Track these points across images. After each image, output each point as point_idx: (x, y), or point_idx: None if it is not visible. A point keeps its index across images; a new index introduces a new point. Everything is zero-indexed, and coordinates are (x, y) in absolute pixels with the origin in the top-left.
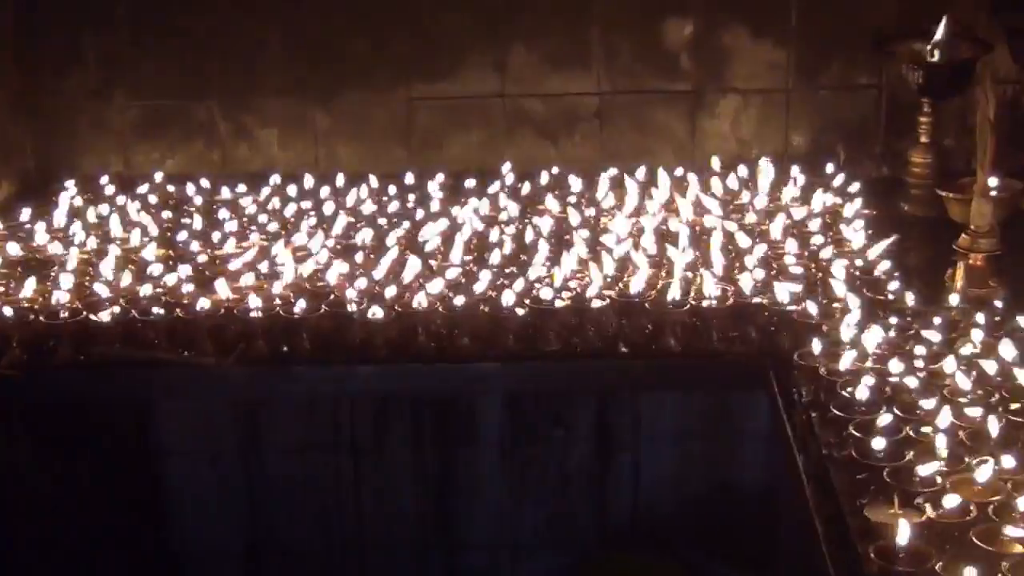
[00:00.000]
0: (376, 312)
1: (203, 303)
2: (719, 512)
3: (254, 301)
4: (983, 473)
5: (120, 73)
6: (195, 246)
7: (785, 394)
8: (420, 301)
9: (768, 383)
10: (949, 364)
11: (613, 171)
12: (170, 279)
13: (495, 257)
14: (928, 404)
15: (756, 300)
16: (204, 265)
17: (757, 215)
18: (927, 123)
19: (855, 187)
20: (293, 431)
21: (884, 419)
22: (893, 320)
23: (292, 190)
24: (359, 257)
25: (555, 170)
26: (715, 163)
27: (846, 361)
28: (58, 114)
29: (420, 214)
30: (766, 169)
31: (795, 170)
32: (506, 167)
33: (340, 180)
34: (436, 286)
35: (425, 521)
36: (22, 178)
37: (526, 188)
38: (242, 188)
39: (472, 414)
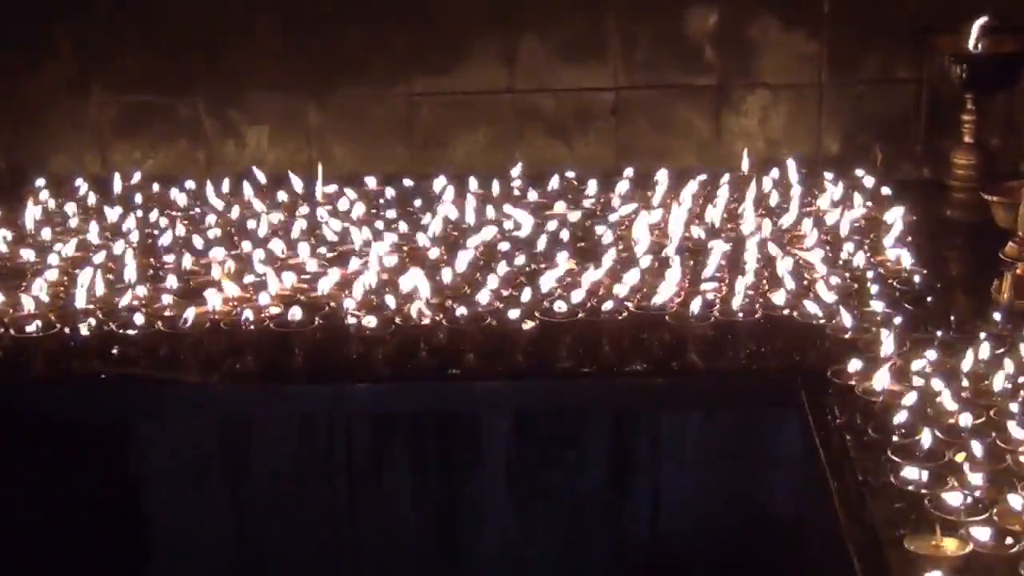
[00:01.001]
0: (374, 324)
1: (188, 315)
2: (745, 543)
3: (244, 313)
4: (1016, 501)
5: (97, 66)
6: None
7: (818, 414)
8: (422, 313)
9: (799, 402)
10: (996, 382)
11: (631, 172)
12: (151, 290)
13: (503, 266)
14: (973, 426)
15: (787, 313)
16: (191, 275)
17: (788, 221)
18: (971, 121)
19: (893, 191)
20: (284, 454)
21: (925, 442)
22: (935, 334)
23: (282, 193)
24: (355, 265)
25: (569, 172)
26: (744, 164)
27: (884, 379)
28: (30, 110)
29: (423, 219)
30: (797, 171)
31: (828, 172)
32: (516, 169)
33: (335, 183)
34: (440, 297)
35: (427, 552)
36: None
37: (536, 192)
38: (228, 189)
39: (478, 436)
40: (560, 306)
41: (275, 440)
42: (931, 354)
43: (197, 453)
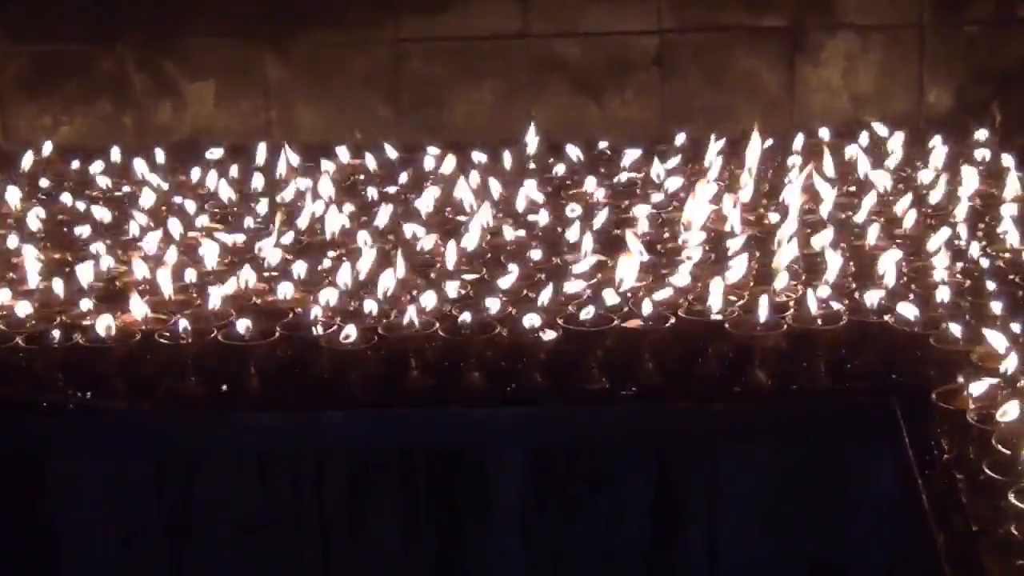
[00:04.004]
0: (351, 336)
1: (111, 325)
2: None
3: (183, 323)
4: None
5: None
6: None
7: (919, 448)
8: (412, 320)
9: (896, 433)
10: None
11: (681, 139)
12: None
13: (515, 261)
14: None
15: (880, 318)
16: (117, 274)
17: (881, 201)
18: None
19: (1016, 160)
20: (239, 501)
21: None
22: None
23: (234, 168)
24: (328, 260)
25: (600, 140)
26: (823, 132)
27: (1006, 405)
28: None
29: (413, 200)
30: (893, 136)
31: (933, 138)
32: (530, 135)
33: (299, 153)
34: (433, 300)
35: None
36: None
37: (558, 165)
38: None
39: (484, 477)
40: (589, 312)
41: (226, 483)
42: None
43: (126, 500)
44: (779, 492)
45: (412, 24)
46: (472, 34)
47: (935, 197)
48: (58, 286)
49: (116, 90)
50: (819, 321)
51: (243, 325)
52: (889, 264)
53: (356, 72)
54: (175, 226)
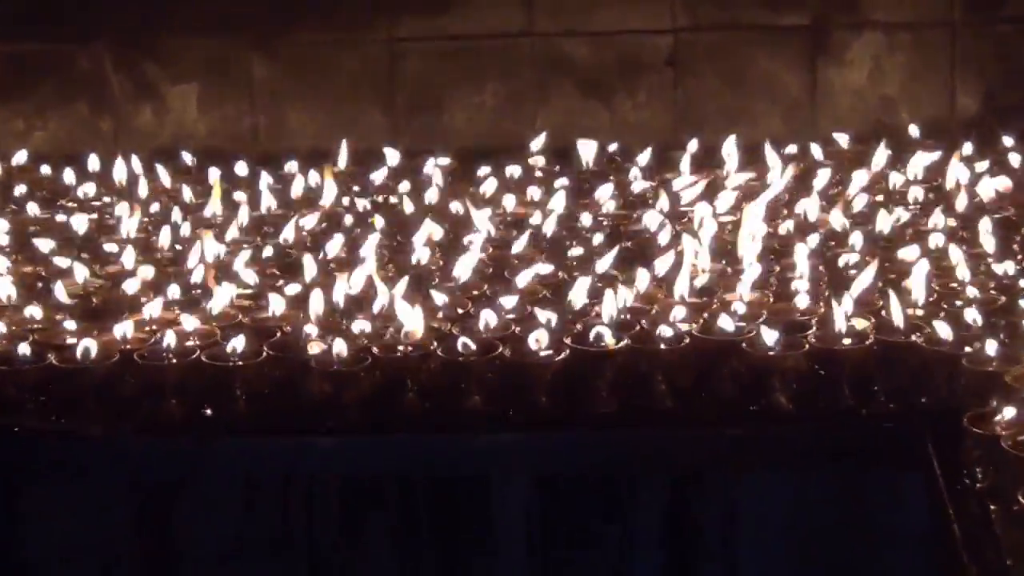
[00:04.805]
0: (343, 355)
1: (89, 346)
2: None
3: (167, 340)
4: None
5: None
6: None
7: (950, 476)
8: (409, 338)
9: (925, 459)
10: None
11: (694, 146)
12: (36, 311)
13: (521, 276)
14: None
15: (908, 337)
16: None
17: (911, 211)
18: None
19: None
20: (224, 530)
21: None
22: None
23: (215, 173)
24: (317, 274)
25: (610, 145)
26: (841, 139)
27: None
28: None
29: (410, 210)
30: (921, 141)
31: (965, 143)
32: (537, 141)
33: (291, 160)
34: (432, 317)
35: None
36: None
37: (565, 172)
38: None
39: (486, 506)
40: (599, 330)
41: (211, 512)
42: None
43: (105, 531)
44: (801, 525)
45: (409, 22)
46: (473, 33)
47: (965, 207)
48: (31, 303)
49: (93, 93)
50: (843, 340)
51: (232, 345)
52: (919, 279)
53: (349, 73)
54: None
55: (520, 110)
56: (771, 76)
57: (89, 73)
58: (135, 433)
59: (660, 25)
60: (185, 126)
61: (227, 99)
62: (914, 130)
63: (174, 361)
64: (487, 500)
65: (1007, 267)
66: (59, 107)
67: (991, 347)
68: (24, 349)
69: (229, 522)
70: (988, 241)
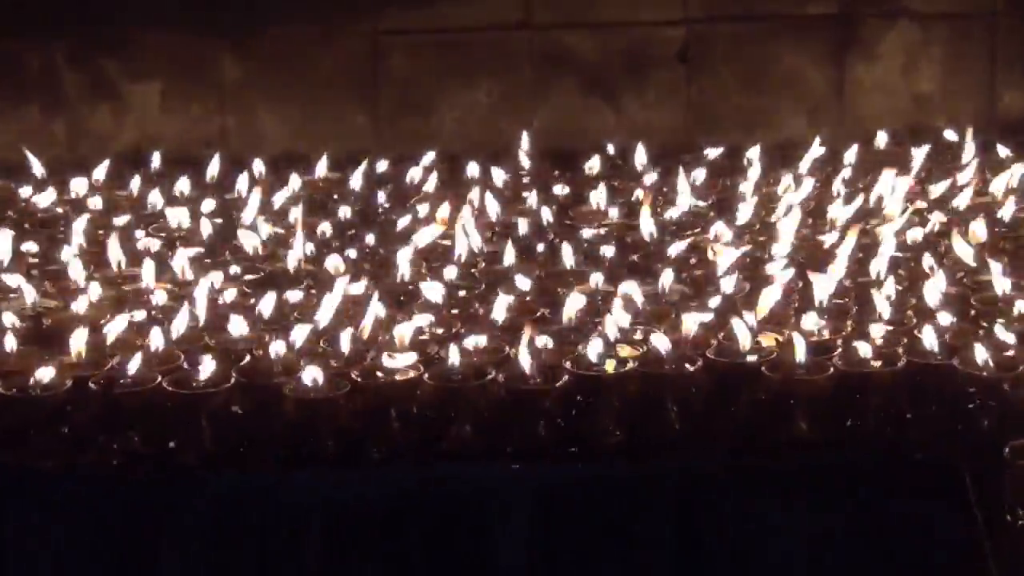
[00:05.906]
0: (320, 382)
1: (43, 373)
2: None
3: (126, 366)
4: None
5: None
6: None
7: (988, 510)
8: (392, 363)
9: (961, 492)
10: None
11: (710, 150)
12: None
13: (515, 291)
14: None
15: (943, 360)
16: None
17: (947, 218)
18: None
19: None
20: (194, 572)
21: None
22: None
23: (184, 182)
24: (294, 293)
25: (612, 147)
26: (880, 137)
27: None
28: None
29: (395, 221)
30: (960, 143)
31: (1006, 145)
32: (524, 140)
33: (261, 165)
34: (418, 340)
35: None
36: None
37: (565, 178)
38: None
39: (481, 541)
40: (600, 351)
41: (178, 551)
42: None
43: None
44: (825, 561)
45: (393, 14)
46: (465, 25)
47: (1010, 213)
48: None
49: (46, 92)
50: (873, 363)
51: (197, 369)
52: (954, 294)
53: (328, 71)
54: (114, 253)
55: (516, 110)
56: (794, 72)
57: (41, 70)
58: (93, 468)
59: (671, 16)
60: (147, 128)
61: (194, 99)
62: (950, 134)
63: (136, 389)
64: (481, 534)
65: None
66: (9, 108)
67: None
68: None
69: (200, 562)
70: None
